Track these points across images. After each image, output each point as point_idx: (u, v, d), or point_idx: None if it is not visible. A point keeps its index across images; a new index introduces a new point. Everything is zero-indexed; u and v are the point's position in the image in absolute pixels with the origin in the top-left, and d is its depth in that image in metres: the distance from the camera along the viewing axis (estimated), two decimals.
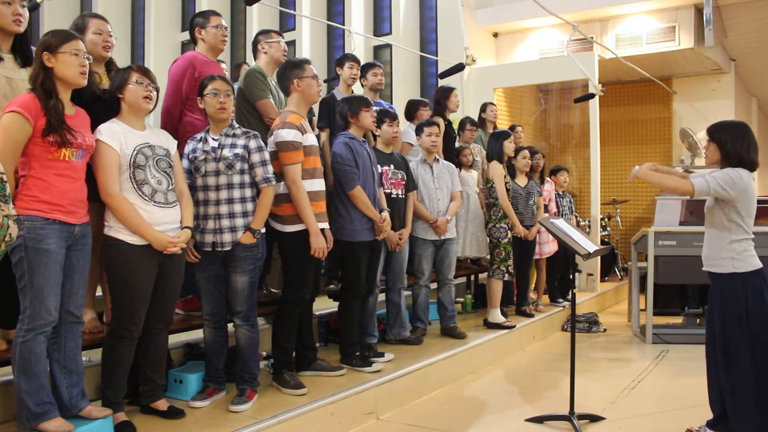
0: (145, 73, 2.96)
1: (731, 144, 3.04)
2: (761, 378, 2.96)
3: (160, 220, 2.90)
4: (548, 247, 6.12)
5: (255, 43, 4.12)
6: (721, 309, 3.08)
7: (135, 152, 2.86)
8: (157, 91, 3.02)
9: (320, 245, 3.50)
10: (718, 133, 3.09)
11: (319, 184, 3.65)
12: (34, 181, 2.55)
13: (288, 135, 3.47)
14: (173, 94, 3.64)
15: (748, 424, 2.97)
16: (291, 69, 3.65)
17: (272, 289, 4.22)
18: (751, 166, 3.05)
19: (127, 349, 2.94)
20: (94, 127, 2.83)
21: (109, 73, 3.29)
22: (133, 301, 2.89)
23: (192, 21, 3.86)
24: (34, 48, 2.84)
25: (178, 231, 2.98)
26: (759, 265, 3.04)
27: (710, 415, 3.24)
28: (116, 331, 2.91)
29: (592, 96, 7.32)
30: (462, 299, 6.18)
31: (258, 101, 3.89)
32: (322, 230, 3.62)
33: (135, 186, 2.85)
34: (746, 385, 2.97)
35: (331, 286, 4.53)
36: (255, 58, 4.15)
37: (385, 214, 4.12)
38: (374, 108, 4.26)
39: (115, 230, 2.84)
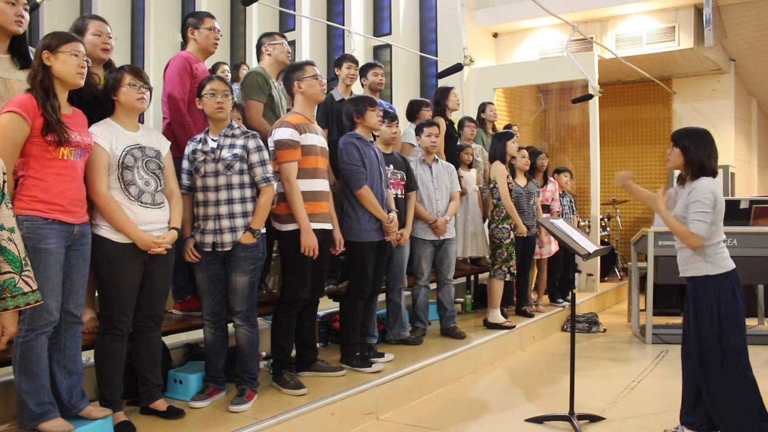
0: (138, 74, 2.97)
1: (695, 151, 3.11)
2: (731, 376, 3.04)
3: (144, 220, 2.91)
4: (548, 247, 6.12)
5: (259, 45, 4.17)
6: (695, 313, 3.13)
7: (124, 153, 2.88)
8: (150, 91, 3.03)
9: (310, 243, 3.48)
10: (683, 139, 3.16)
11: (321, 185, 3.65)
12: (33, 181, 2.56)
13: (284, 134, 3.49)
14: (179, 84, 3.59)
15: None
16: (292, 72, 3.70)
17: (272, 289, 4.21)
18: (713, 174, 3.11)
19: (118, 346, 2.96)
20: None
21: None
22: (120, 297, 2.91)
23: (185, 20, 3.86)
24: (32, 49, 2.85)
25: (165, 231, 3.00)
26: (732, 266, 3.10)
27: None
28: (105, 329, 2.93)
29: (590, 97, 7.31)
30: (462, 299, 6.18)
31: (247, 100, 3.95)
32: (324, 231, 3.63)
33: (122, 186, 2.87)
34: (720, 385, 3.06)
35: (331, 286, 4.52)
36: (258, 60, 4.18)
37: (393, 215, 4.13)
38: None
39: (102, 228, 2.86)
